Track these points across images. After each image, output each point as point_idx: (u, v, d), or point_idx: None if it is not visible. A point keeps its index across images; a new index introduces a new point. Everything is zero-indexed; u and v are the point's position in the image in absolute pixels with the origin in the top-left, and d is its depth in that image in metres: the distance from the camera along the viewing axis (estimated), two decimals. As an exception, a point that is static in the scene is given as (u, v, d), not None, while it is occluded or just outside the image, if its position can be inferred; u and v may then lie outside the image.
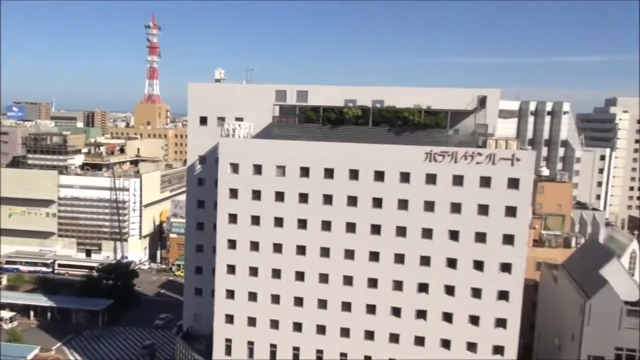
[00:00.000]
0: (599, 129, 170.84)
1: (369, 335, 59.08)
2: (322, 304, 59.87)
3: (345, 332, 59.72)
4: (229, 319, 62.49)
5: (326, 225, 58.67)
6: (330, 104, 63.41)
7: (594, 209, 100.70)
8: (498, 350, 56.16)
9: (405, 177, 56.23)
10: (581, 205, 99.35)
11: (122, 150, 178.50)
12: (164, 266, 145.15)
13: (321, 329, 60.29)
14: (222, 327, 62.71)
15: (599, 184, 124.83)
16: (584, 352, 52.30)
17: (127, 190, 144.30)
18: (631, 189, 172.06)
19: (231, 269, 61.62)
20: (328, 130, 61.99)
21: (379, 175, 56.81)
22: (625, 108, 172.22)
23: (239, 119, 66.25)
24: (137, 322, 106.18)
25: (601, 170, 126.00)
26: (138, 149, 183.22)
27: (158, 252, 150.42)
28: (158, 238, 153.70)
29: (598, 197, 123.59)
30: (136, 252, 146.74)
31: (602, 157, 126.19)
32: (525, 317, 59.74)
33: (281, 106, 65.92)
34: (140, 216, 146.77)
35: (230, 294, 62.03)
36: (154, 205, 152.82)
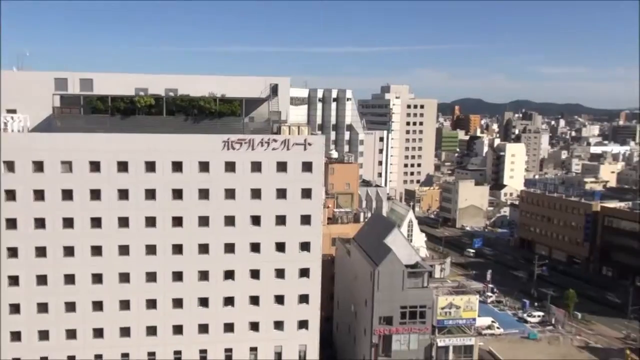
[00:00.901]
0: (377, 113, 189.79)
1: (178, 329, 57.86)
2: (125, 304, 56.76)
3: (152, 331, 57.53)
4: (15, 336, 55.62)
5: (123, 222, 55.50)
6: (119, 92, 59.65)
7: (377, 185, 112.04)
8: (303, 324, 59.64)
9: (204, 167, 55.91)
10: (366, 183, 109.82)
11: None
12: None
13: (125, 331, 57.19)
14: (7, 347, 55.56)
15: (380, 163, 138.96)
16: (376, 315, 58.43)
17: None
18: (405, 165, 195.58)
19: (14, 280, 54.75)
20: (119, 121, 58.32)
21: (177, 166, 55.56)
22: (397, 94, 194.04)
23: (11, 111, 58.50)
24: None
25: (381, 151, 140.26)
26: None
27: None
28: None
29: (380, 174, 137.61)
30: None
31: (381, 139, 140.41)
32: (325, 290, 64.42)
33: (62, 96, 59.98)
34: None
35: (15, 308, 55.19)
36: None
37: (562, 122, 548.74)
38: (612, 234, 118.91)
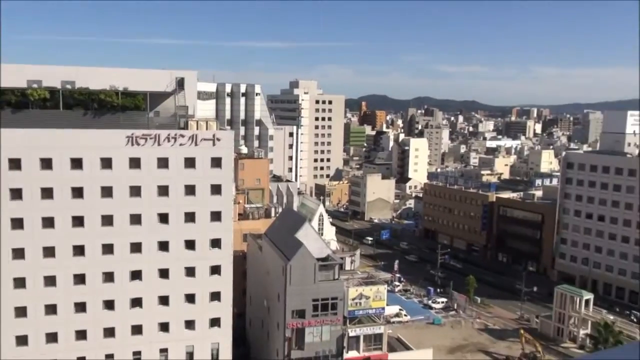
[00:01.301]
0: (286, 108, 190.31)
1: (81, 335, 54.86)
2: (21, 311, 52.92)
3: (52, 337, 54.13)
4: None
5: (17, 224, 51.72)
6: (9, 85, 55.39)
7: (287, 180, 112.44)
8: (215, 322, 58.68)
9: (107, 163, 53.37)
10: (277, 178, 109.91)
11: None
12: None
13: (22, 340, 53.30)
14: None
15: (290, 158, 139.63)
16: (289, 309, 58.71)
17: None
18: (315, 160, 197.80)
19: None
20: (10, 115, 54.17)
21: (77, 163, 52.60)
22: (306, 90, 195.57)
23: None
24: None
25: (291, 146, 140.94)
26: None
27: None
28: None
29: (290, 169, 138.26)
30: None
31: (291, 134, 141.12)
32: (237, 287, 63.80)
33: (-58, 88, 54.74)
34: None
35: None
36: None
37: (460, 118, 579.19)
38: (506, 223, 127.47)
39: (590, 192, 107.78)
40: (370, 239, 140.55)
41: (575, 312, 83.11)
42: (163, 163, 54.80)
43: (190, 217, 56.36)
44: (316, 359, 59.84)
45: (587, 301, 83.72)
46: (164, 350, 57.55)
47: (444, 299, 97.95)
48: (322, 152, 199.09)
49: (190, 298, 57.56)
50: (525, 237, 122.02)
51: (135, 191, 54.49)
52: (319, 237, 66.24)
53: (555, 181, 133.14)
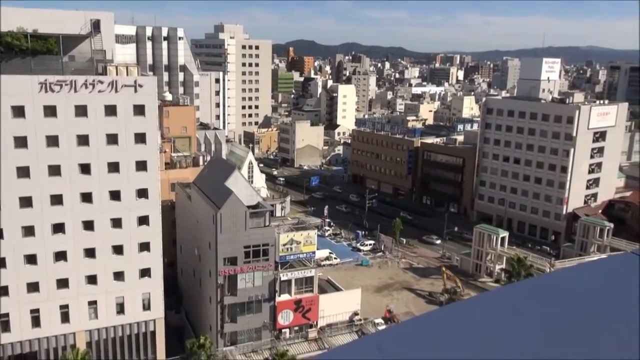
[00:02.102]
0: (211, 53, 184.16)
1: (3, 291, 52.65)
2: None
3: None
4: None
5: None
6: None
7: (215, 128, 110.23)
8: (145, 273, 58.02)
9: (19, 112, 49.99)
10: (204, 126, 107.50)
11: None
12: None
13: None
14: None
15: (217, 105, 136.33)
16: (220, 256, 58.91)
17: None
18: (243, 107, 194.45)
19: None
20: None
21: (-15, 112, 48.93)
22: (231, 34, 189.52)
23: None
24: None
25: (217, 93, 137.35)
26: None
27: None
28: None
29: (218, 117, 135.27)
30: None
31: (217, 80, 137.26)
32: (167, 236, 63.05)
33: None
34: None
35: None
36: None
37: (387, 65, 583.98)
38: (430, 167, 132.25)
39: (508, 137, 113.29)
40: (282, 179, 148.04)
41: (492, 249, 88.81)
42: (81, 111, 52.01)
43: (114, 167, 54.38)
44: (249, 304, 60.94)
45: (502, 239, 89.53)
46: (92, 303, 56.55)
47: (372, 242, 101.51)
48: (250, 99, 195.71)
49: (118, 249, 56.36)
50: (447, 180, 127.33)
51: (52, 141, 51.64)
52: (249, 185, 66.11)
53: (476, 126, 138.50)
